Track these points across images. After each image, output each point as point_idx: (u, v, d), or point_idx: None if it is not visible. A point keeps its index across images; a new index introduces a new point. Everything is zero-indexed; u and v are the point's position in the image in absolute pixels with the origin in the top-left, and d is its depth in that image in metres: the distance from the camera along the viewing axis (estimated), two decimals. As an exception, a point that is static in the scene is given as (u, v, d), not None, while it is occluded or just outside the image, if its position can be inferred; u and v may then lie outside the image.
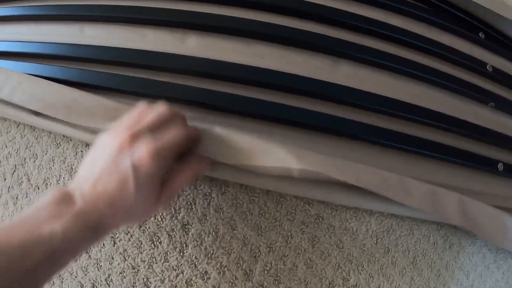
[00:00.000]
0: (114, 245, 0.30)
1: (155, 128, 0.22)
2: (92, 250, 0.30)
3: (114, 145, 0.21)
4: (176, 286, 0.30)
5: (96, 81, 0.30)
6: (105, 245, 0.30)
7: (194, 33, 0.31)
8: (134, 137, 0.21)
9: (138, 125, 0.22)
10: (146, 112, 0.23)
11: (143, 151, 0.20)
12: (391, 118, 0.31)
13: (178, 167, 0.24)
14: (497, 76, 0.38)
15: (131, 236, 0.30)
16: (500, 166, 0.35)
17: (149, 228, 0.30)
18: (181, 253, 0.30)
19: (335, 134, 0.29)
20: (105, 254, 0.30)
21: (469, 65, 0.36)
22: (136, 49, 0.31)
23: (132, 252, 0.30)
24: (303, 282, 0.30)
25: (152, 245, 0.30)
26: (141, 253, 0.30)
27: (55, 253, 0.18)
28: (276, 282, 0.30)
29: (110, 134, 0.22)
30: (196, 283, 0.30)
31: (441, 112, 0.33)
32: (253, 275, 0.30)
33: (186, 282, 0.30)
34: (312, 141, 0.29)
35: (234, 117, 0.29)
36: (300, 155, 0.23)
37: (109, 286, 0.30)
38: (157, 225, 0.30)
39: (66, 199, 0.20)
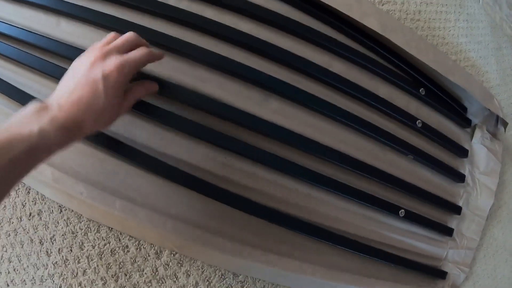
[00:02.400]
0: (60, 212, 0.36)
1: (122, 49, 0.27)
2: (43, 213, 0.36)
3: (88, 62, 0.26)
4: (103, 253, 0.36)
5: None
6: (53, 211, 0.36)
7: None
8: (105, 54, 0.26)
9: (108, 46, 0.27)
10: (115, 37, 0.28)
11: (111, 64, 0.25)
12: (311, 157, 0.36)
13: (136, 83, 0.29)
14: (424, 131, 0.41)
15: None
16: (401, 213, 0.40)
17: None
18: (110, 228, 0.36)
19: (251, 159, 0.34)
20: (53, 218, 0.36)
21: (399, 118, 0.40)
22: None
23: (73, 220, 0.36)
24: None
25: (89, 217, 0.36)
26: (80, 222, 0.36)
27: (33, 149, 0.22)
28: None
29: (85, 54, 0.27)
30: (118, 253, 0.36)
31: (358, 159, 0.37)
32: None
33: (111, 251, 0.36)
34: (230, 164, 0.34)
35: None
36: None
37: (52, 244, 0.36)
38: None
39: (44, 108, 0.24)
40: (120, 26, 0.35)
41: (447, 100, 0.45)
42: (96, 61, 0.26)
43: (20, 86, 0.35)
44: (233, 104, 0.34)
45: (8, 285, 0.37)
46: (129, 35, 0.28)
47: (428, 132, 0.42)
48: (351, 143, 0.38)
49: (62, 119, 0.24)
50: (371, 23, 0.37)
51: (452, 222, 0.47)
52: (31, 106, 0.24)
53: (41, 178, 0.32)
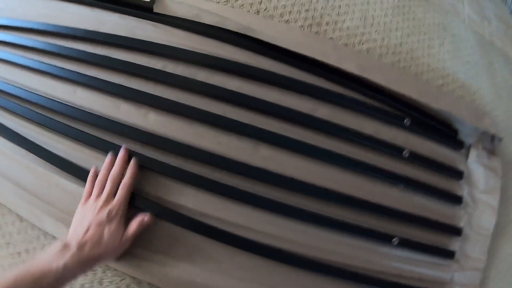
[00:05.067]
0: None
1: (112, 191, 0.36)
2: None
3: (93, 212, 0.35)
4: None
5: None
6: None
7: (154, 110, 0.40)
8: (104, 204, 0.35)
9: (103, 195, 0.36)
10: (103, 181, 0.37)
11: (111, 212, 0.35)
12: (301, 196, 0.39)
13: (131, 221, 0.37)
14: (412, 160, 0.44)
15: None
16: (395, 241, 0.42)
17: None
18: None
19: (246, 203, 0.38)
20: None
21: (385, 151, 0.42)
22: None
23: None
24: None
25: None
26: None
27: (60, 279, 0.30)
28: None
29: (88, 205, 0.36)
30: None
31: (349, 194, 0.40)
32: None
33: (126, 285, 0.41)
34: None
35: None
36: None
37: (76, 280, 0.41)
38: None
39: (66, 246, 0.32)
40: (127, 94, 0.41)
41: (436, 125, 0.47)
42: (99, 211, 0.35)
43: (43, 144, 0.42)
44: (227, 155, 0.38)
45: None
46: (112, 175, 0.37)
47: (417, 160, 0.44)
48: (341, 180, 0.40)
49: (80, 255, 0.32)
50: (349, 66, 0.41)
51: (455, 244, 0.48)
52: (56, 245, 0.32)
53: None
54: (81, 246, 0.32)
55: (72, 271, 0.32)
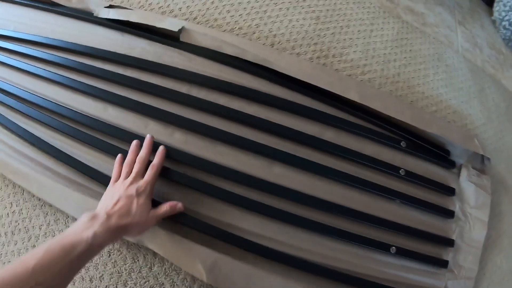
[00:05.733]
0: (109, 257, 0.46)
1: (140, 171, 0.40)
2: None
3: (124, 185, 0.38)
4: None
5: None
6: (103, 255, 0.46)
7: (179, 130, 0.46)
8: (133, 181, 0.38)
9: (132, 173, 0.39)
10: (131, 163, 0.40)
11: (140, 185, 0.38)
12: (308, 208, 0.44)
13: (164, 203, 0.40)
14: (408, 177, 0.49)
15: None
16: (393, 250, 0.47)
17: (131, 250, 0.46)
18: (150, 268, 0.45)
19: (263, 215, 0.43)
20: (103, 261, 0.45)
21: (384, 170, 0.48)
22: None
23: (119, 263, 0.45)
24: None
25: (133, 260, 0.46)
26: (125, 264, 0.45)
27: (89, 248, 0.31)
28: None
29: (117, 184, 0.39)
30: None
31: (352, 208, 0.45)
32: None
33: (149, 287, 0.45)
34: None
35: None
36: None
37: (101, 282, 0.45)
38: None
39: (95, 216, 0.34)
40: (155, 114, 0.46)
41: (429, 147, 0.52)
42: (130, 185, 0.38)
43: (75, 156, 0.47)
44: (244, 171, 0.43)
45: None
46: (141, 158, 0.40)
47: (412, 178, 0.49)
48: (344, 195, 0.46)
49: (109, 224, 0.34)
50: (352, 95, 0.47)
51: (448, 255, 0.53)
52: (85, 216, 0.34)
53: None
54: (109, 215, 0.34)
55: (102, 240, 0.32)
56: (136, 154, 0.41)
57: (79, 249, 0.31)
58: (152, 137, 0.42)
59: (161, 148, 0.42)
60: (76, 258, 0.31)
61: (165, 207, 0.39)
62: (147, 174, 0.39)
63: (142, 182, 0.38)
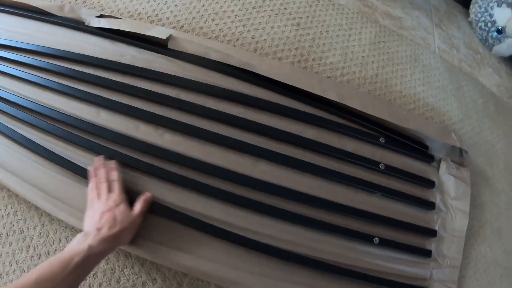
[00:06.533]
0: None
1: (108, 187, 0.43)
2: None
3: (101, 204, 0.41)
4: (136, 285, 0.46)
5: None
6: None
7: (169, 131, 0.48)
8: (107, 197, 0.42)
9: (103, 191, 0.42)
10: (98, 184, 0.43)
11: (116, 199, 0.41)
12: (294, 203, 0.46)
13: (135, 202, 0.43)
14: (387, 171, 0.51)
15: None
16: (376, 240, 0.49)
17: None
18: (142, 264, 0.47)
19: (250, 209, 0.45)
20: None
21: (364, 165, 0.50)
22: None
23: (112, 259, 0.46)
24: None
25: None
26: (118, 261, 0.46)
27: (86, 258, 0.35)
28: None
29: (94, 204, 0.41)
30: (147, 284, 0.46)
31: (334, 201, 0.47)
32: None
33: (142, 283, 0.46)
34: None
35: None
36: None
37: (94, 279, 0.46)
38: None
39: (87, 233, 0.38)
40: (146, 116, 0.49)
41: (408, 143, 0.55)
42: (106, 201, 0.41)
43: (69, 158, 0.48)
44: (231, 168, 0.46)
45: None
46: (104, 181, 0.43)
47: (392, 171, 0.52)
48: (327, 190, 0.48)
49: (101, 235, 0.37)
50: (331, 95, 0.50)
51: (431, 245, 0.55)
52: (78, 235, 0.38)
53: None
54: (99, 228, 0.38)
55: (97, 250, 0.36)
56: (98, 176, 0.44)
57: (76, 260, 0.34)
58: (103, 157, 0.46)
59: (112, 163, 0.46)
60: (74, 269, 0.34)
61: (140, 204, 0.43)
62: (115, 187, 0.43)
63: (115, 194, 0.42)
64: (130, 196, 0.44)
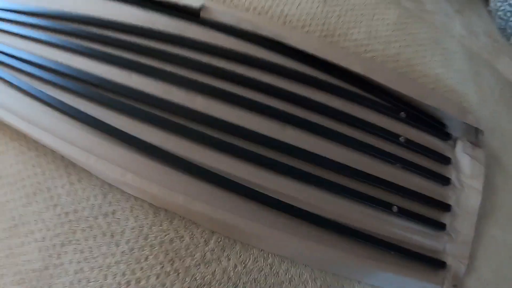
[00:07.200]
0: (131, 212, 0.50)
1: None
2: (116, 212, 0.49)
3: None
4: (163, 242, 0.47)
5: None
6: (125, 211, 0.49)
7: (201, 95, 0.51)
8: None
9: None
10: None
11: None
12: (319, 168, 0.49)
13: None
14: (407, 144, 0.53)
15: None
16: (394, 208, 0.51)
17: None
18: (170, 222, 0.48)
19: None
20: (125, 216, 0.49)
21: (385, 137, 0.52)
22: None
23: (141, 217, 0.49)
24: None
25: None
26: (147, 218, 0.48)
27: None
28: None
29: None
30: (175, 242, 0.47)
31: (357, 169, 0.50)
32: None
33: (170, 240, 0.49)
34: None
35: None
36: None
37: (122, 236, 0.48)
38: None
39: None
40: (178, 80, 0.51)
41: (427, 119, 0.57)
42: None
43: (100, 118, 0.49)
44: (259, 131, 0.48)
45: (76, 273, 0.44)
46: None
47: (411, 145, 0.54)
48: (350, 158, 0.50)
49: None
50: (356, 68, 0.52)
51: (445, 219, 0.57)
52: None
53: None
54: None
55: None
56: None
57: None
58: None
59: None
60: None
61: None
62: None
63: None
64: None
